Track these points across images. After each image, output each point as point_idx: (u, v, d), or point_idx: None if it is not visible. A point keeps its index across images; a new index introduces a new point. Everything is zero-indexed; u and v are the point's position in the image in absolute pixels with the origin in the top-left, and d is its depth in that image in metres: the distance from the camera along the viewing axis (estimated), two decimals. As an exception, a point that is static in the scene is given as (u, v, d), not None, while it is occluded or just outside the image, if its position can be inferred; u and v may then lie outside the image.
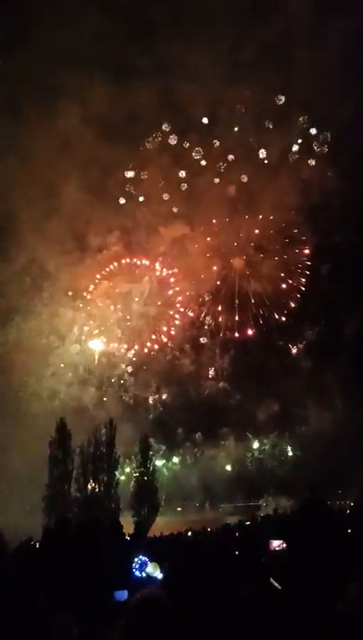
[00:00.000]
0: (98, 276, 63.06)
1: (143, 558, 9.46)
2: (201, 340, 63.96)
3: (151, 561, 9.49)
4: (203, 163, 61.85)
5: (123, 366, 62.62)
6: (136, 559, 9.52)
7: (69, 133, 56.01)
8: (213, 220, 63.75)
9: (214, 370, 63.00)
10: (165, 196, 61.36)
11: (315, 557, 5.69)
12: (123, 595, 7.62)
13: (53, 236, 57.46)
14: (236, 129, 62.23)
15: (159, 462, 52.52)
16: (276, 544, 10.02)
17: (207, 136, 62.27)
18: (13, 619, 3.81)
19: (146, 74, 57.85)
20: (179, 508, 56.73)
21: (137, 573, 9.29)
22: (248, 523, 25.57)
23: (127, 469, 50.02)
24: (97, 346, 62.43)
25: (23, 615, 3.86)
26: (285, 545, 9.44)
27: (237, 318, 63.94)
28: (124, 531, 12.92)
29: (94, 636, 5.23)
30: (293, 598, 3.62)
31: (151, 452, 48.31)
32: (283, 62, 56.74)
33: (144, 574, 9.21)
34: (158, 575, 9.13)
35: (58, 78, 54.83)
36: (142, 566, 9.26)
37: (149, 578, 9.08)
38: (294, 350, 62.53)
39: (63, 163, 56.61)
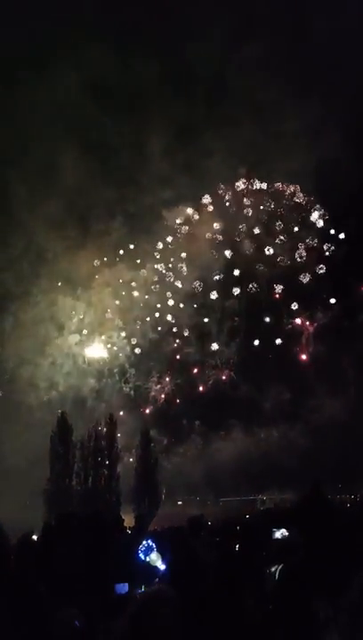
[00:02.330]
0: (98, 263, 61.03)
1: (151, 543, 9.49)
2: (206, 326, 61.94)
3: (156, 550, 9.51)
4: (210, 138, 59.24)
5: (123, 356, 61.15)
6: (144, 542, 9.56)
7: (66, 102, 54.71)
8: (218, 201, 61.52)
9: (220, 358, 61.29)
10: (170, 177, 59.39)
11: (317, 549, 5.66)
12: (124, 587, 7.62)
13: (52, 220, 55.98)
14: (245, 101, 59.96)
15: (160, 455, 52.09)
16: (278, 534, 10.02)
17: (214, 109, 60.32)
18: (15, 612, 3.78)
19: (149, 38, 55.67)
20: (179, 502, 56.48)
21: (141, 556, 9.33)
22: (247, 516, 25.63)
23: (128, 462, 49.74)
24: (96, 352, 60.86)
25: (25, 609, 3.83)
26: (287, 533, 9.44)
27: (244, 303, 61.94)
28: (125, 524, 12.90)
29: (96, 628, 5.21)
30: (297, 590, 3.59)
31: (153, 445, 48.21)
32: (297, 28, 54.81)
33: (148, 559, 9.23)
34: (160, 565, 9.17)
35: (56, 42, 52.81)
36: (148, 550, 9.30)
37: (151, 566, 9.10)
38: (306, 335, 60.67)
39: (62, 139, 55.01)
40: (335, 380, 54.73)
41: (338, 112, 54.37)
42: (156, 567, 8.97)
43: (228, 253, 61.58)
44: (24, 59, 52.42)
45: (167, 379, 61.39)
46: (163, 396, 60.83)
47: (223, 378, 60.88)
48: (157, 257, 61.79)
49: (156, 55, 55.78)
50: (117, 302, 61.59)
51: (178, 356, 61.48)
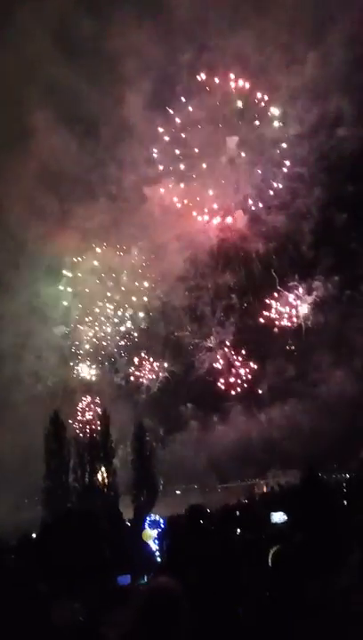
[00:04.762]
0: (82, 250, 57.69)
1: (159, 519, 9.66)
2: (199, 307, 59.00)
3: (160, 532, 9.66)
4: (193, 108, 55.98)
5: (113, 345, 59.08)
6: (154, 516, 9.74)
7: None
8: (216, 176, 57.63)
9: (216, 339, 58.36)
10: (155, 152, 56.35)
11: (315, 529, 5.76)
12: (126, 579, 7.72)
13: (31, 206, 52.77)
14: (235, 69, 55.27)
15: (157, 445, 51.50)
16: (276, 517, 10.20)
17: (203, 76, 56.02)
18: (15, 610, 3.80)
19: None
20: (178, 492, 56.05)
21: (146, 525, 9.55)
22: (246, 501, 25.96)
23: (125, 454, 49.11)
24: (85, 371, 59.27)
25: (25, 607, 3.85)
26: (285, 517, 9.61)
27: (239, 281, 58.75)
28: (124, 516, 13.02)
29: (99, 621, 5.26)
30: (297, 571, 3.64)
31: (148, 436, 47.91)
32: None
33: (148, 531, 9.40)
34: (152, 544, 9.34)
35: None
36: (153, 524, 9.47)
37: (151, 557, 9.24)
38: (306, 308, 57.84)
39: (40, 112, 51.51)
40: (339, 351, 53.43)
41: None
42: (156, 558, 9.09)
43: (220, 228, 59.00)
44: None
45: (159, 365, 58.77)
46: (157, 383, 58.89)
47: (220, 360, 58.72)
48: (144, 239, 57.99)
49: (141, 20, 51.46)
50: (104, 289, 58.75)
51: (171, 341, 59.54)
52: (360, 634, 3.50)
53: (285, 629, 3.50)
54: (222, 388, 57.16)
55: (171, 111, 56.92)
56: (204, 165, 58.19)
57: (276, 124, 56.93)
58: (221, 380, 57.52)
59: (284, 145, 57.05)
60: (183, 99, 56.58)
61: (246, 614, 3.89)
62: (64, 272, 58.21)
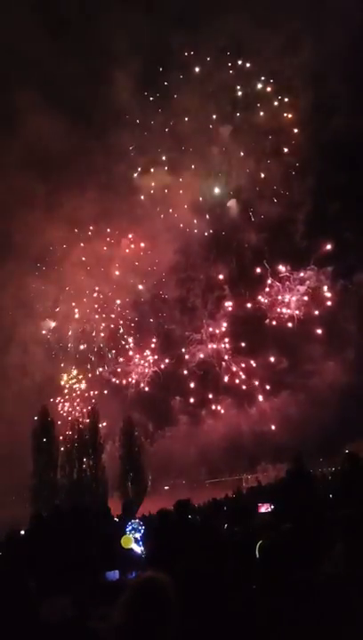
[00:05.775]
0: (69, 241, 56.83)
1: (139, 525, 9.69)
2: (189, 299, 58.53)
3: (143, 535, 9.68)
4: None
5: (101, 339, 58.46)
6: (135, 520, 9.77)
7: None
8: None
9: (207, 332, 57.96)
10: (145, 141, 56.39)
11: (301, 520, 5.85)
12: (114, 575, 7.76)
13: (17, 196, 51.61)
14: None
15: (146, 441, 51.33)
16: (263, 508, 10.33)
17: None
18: (5, 608, 3.81)
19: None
20: (166, 487, 55.90)
21: (126, 531, 9.59)
22: (233, 496, 26.14)
23: (113, 448, 48.83)
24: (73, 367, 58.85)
25: (14, 603, 3.86)
26: (272, 507, 9.72)
27: (231, 272, 58.46)
28: (113, 512, 13.03)
29: (89, 616, 5.30)
30: (283, 561, 3.70)
31: (136, 431, 47.78)
32: None
33: (128, 536, 9.43)
34: (136, 548, 9.37)
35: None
36: (133, 530, 9.51)
37: (132, 550, 9.28)
38: (299, 298, 57.63)
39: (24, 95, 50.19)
40: (332, 342, 53.05)
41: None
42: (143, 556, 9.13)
43: (211, 219, 57.98)
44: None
45: (150, 359, 58.20)
46: (146, 378, 57.80)
47: (211, 353, 57.39)
48: (135, 229, 57.27)
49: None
50: (93, 282, 57.66)
51: (161, 334, 58.29)
52: (348, 623, 3.57)
53: (273, 620, 3.56)
54: (213, 381, 57.14)
55: (152, 98, 56.93)
56: (196, 154, 58.02)
57: (270, 111, 57.10)
58: (212, 374, 57.47)
59: (278, 133, 57.20)
60: (175, 85, 57.00)
61: (233, 607, 3.95)
62: (51, 264, 57.59)
